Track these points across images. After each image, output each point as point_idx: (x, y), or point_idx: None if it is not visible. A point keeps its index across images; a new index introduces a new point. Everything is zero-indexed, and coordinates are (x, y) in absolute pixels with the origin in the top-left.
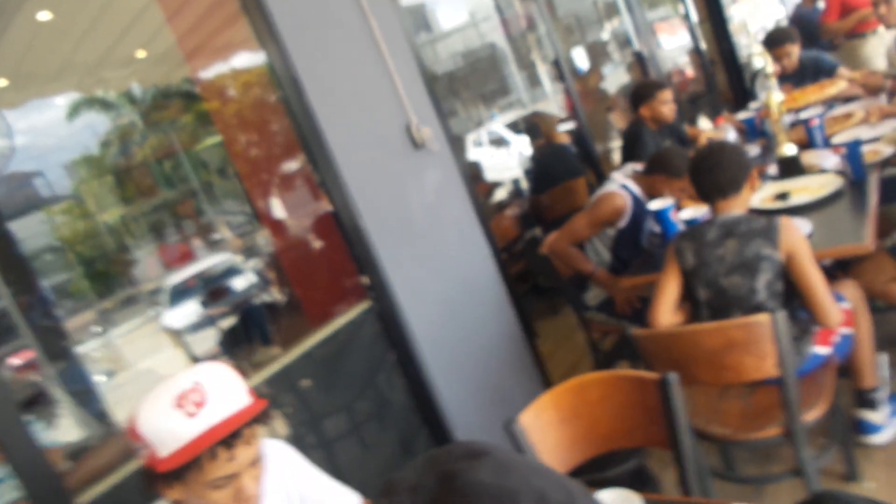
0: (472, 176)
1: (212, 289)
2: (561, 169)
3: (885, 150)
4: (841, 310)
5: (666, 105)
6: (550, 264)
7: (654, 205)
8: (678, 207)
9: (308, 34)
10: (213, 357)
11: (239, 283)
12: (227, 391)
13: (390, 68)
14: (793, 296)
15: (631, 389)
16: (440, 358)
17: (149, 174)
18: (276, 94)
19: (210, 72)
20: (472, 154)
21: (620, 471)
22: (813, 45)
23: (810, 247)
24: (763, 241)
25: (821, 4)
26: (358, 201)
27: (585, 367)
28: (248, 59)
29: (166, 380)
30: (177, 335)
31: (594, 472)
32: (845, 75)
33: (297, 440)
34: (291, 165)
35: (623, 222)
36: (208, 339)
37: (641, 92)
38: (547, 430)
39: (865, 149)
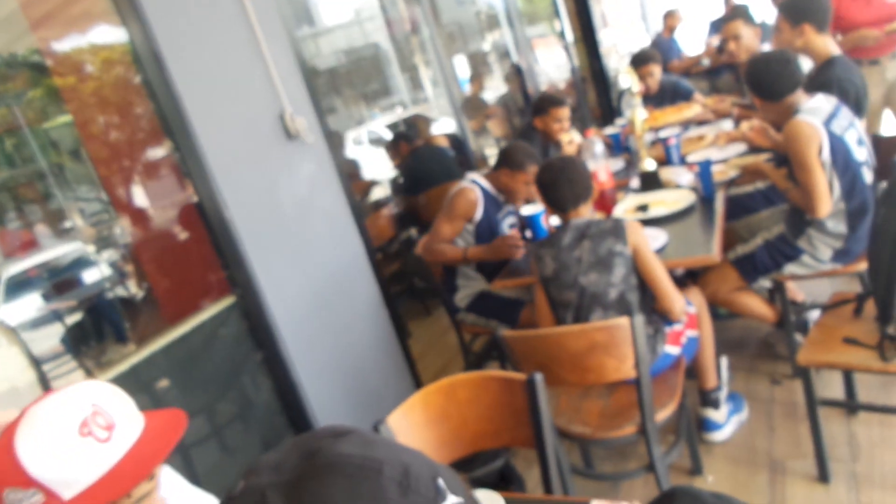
0: (350, 174)
1: (57, 281)
2: (438, 170)
3: (731, 172)
4: (687, 313)
5: (557, 122)
6: (425, 265)
7: (526, 210)
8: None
9: (175, 11)
10: (55, 356)
11: (89, 276)
12: (127, 408)
13: (265, 55)
14: (647, 298)
15: (499, 390)
16: (308, 358)
17: None
18: (138, 73)
19: (63, 44)
20: (351, 152)
21: (487, 470)
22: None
23: (647, 244)
24: (614, 239)
25: (677, 35)
26: (224, 191)
27: (457, 367)
28: (108, 33)
29: (42, 410)
30: (12, 332)
31: (461, 472)
32: (700, 100)
33: None
34: (153, 152)
35: (478, 215)
36: (51, 337)
37: (538, 104)
38: (415, 430)
39: (714, 169)
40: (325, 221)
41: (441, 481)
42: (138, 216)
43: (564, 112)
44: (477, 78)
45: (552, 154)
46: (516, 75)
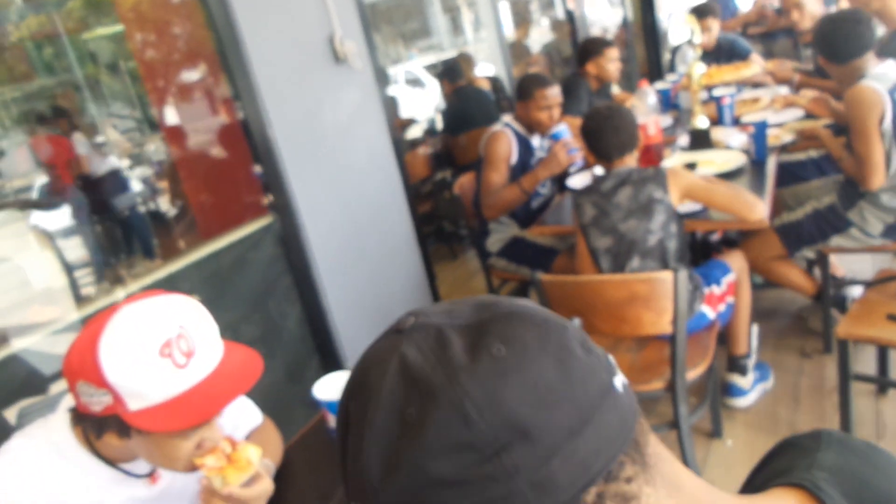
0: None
1: (91, 192)
2: (478, 112)
3: (785, 137)
4: (726, 280)
5: (612, 63)
6: (457, 208)
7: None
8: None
9: None
10: (85, 265)
11: (122, 190)
12: (211, 337)
13: None
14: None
15: None
16: (339, 285)
17: (24, 57)
18: None
19: None
20: (389, 90)
21: None
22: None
23: (695, 178)
24: (654, 186)
25: None
26: (270, 111)
27: None
28: None
29: (137, 317)
30: (47, 237)
31: None
32: (758, 61)
33: None
34: (201, 68)
35: (513, 159)
36: (83, 245)
37: (589, 47)
38: None
39: (768, 133)
40: (366, 151)
41: (611, 357)
42: (178, 133)
43: (617, 52)
44: (522, 25)
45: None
46: (568, 23)
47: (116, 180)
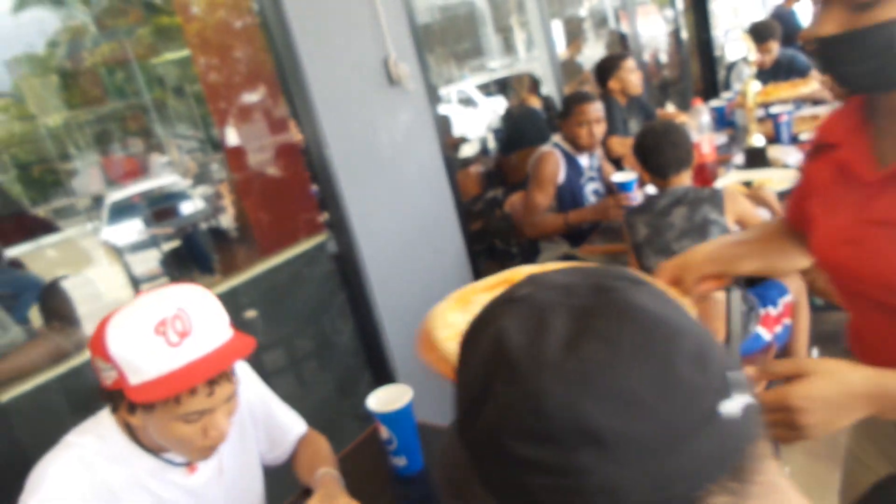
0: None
1: (157, 209)
2: (531, 131)
3: None
4: (783, 301)
5: (632, 73)
6: (508, 226)
7: (618, 177)
8: (641, 181)
9: None
10: (152, 278)
11: (186, 207)
12: (211, 321)
13: None
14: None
15: None
16: (392, 302)
17: (98, 81)
18: (255, 11)
19: None
20: (441, 109)
21: None
22: (789, 45)
23: (751, 208)
24: (710, 207)
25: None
26: (327, 132)
27: None
28: None
29: (143, 299)
30: (116, 251)
31: None
32: (817, 77)
33: None
34: (261, 90)
35: (560, 179)
36: (149, 260)
37: (606, 65)
38: None
39: None
40: (419, 170)
41: (730, 374)
42: (240, 153)
43: (633, 62)
44: (574, 42)
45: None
46: (619, 41)
47: (179, 198)
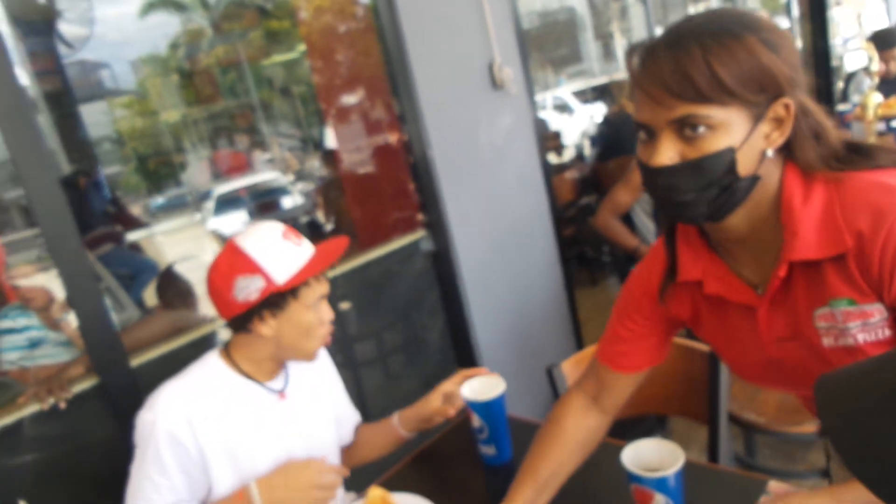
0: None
1: (261, 202)
2: (629, 139)
3: None
4: None
5: None
6: (599, 235)
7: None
8: None
9: None
10: None
11: (287, 202)
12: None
13: (484, 3)
14: None
15: (679, 357)
16: (483, 300)
17: (212, 81)
18: (368, 15)
19: None
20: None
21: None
22: None
23: None
24: None
25: None
26: (431, 133)
27: None
28: None
29: (253, 228)
30: (222, 239)
31: (614, 435)
32: None
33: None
34: (369, 91)
35: None
36: None
37: (621, 84)
38: None
39: None
40: (517, 173)
41: None
42: (345, 150)
43: None
44: None
45: None
46: None
47: (281, 193)
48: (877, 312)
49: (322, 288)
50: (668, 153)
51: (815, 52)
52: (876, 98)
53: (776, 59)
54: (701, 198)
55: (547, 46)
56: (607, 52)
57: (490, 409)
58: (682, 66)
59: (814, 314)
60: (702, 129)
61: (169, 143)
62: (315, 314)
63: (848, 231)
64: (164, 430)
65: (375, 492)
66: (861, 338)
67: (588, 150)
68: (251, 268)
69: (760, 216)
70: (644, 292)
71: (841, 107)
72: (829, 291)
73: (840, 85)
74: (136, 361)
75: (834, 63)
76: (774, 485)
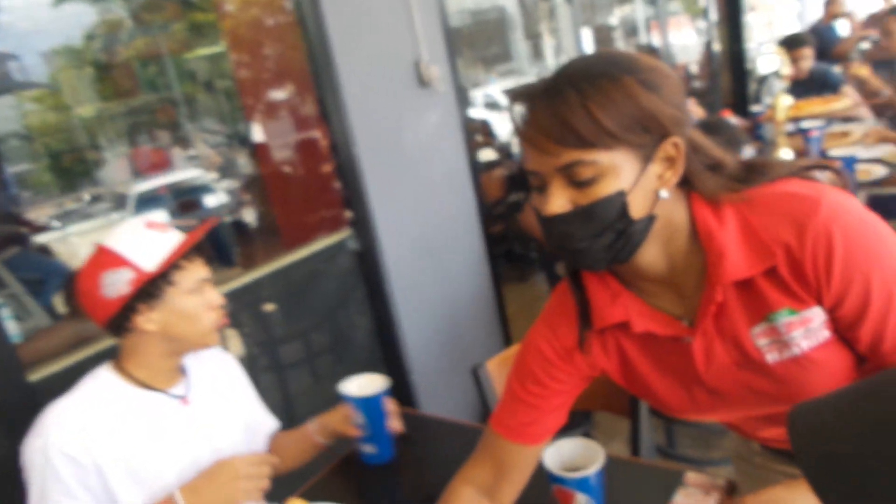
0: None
1: (183, 200)
2: None
3: (877, 172)
4: None
5: None
6: (528, 231)
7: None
8: None
9: None
10: None
11: (211, 200)
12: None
13: (411, 1)
14: None
15: None
16: (409, 299)
17: (131, 75)
18: (291, 8)
19: None
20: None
21: (569, 435)
22: (823, 60)
23: None
24: None
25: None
26: (356, 130)
27: None
28: None
29: (116, 228)
30: None
31: None
32: (850, 94)
33: (251, 361)
34: (293, 87)
35: None
36: None
37: None
38: None
39: (858, 167)
40: (444, 171)
41: None
42: (268, 147)
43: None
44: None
45: None
46: (650, 53)
47: (204, 191)
48: (815, 317)
49: (200, 270)
50: (559, 201)
51: (731, 55)
52: (786, 100)
53: (656, 99)
54: (596, 244)
55: (478, 44)
56: (537, 52)
57: (369, 405)
58: (560, 113)
59: (752, 332)
60: (590, 175)
61: (84, 140)
62: (198, 298)
63: (774, 243)
64: (58, 451)
65: (296, 502)
66: (805, 344)
67: (517, 148)
68: (116, 261)
69: (678, 249)
70: (555, 350)
71: (754, 108)
72: (767, 306)
73: (753, 87)
74: (36, 376)
75: (748, 66)
76: (691, 476)
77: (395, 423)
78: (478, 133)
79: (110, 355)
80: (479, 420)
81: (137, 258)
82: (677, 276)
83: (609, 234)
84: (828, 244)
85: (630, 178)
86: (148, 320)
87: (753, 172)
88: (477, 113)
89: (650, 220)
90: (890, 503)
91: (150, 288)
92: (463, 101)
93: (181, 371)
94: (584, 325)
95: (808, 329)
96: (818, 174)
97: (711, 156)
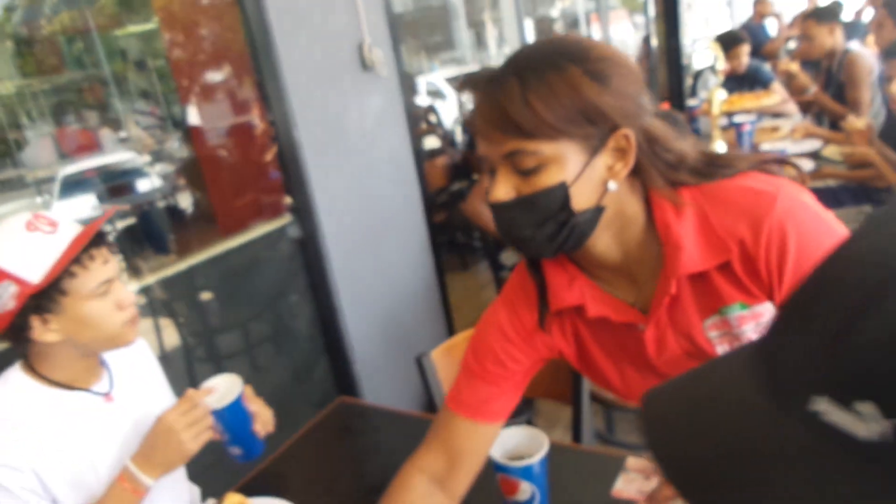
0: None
1: (113, 184)
2: None
3: (805, 166)
4: None
5: None
6: (471, 219)
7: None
8: None
9: None
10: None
11: (143, 185)
12: (66, 215)
13: None
14: None
15: None
16: (352, 288)
17: (55, 51)
18: None
19: None
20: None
21: (511, 424)
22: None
23: None
24: None
25: (768, 22)
26: (297, 114)
27: None
28: None
29: None
30: None
31: None
32: (779, 91)
33: (187, 351)
34: (231, 68)
35: None
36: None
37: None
38: (455, 368)
39: None
40: (388, 157)
41: None
42: (204, 130)
43: None
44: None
45: None
46: None
47: (137, 175)
48: (766, 312)
49: (103, 271)
50: (503, 188)
51: (668, 50)
52: (720, 95)
53: (603, 91)
54: (539, 233)
55: (421, 32)
56: (480, 41)
57: (224, 416)
58: (500, 102)
59: (704, 325)
60: (532, 165)
61: (1, 118)
62: (103, 301)
63: (730, 238)
64: None
65: (233, 498)
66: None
67: (460, 137)
68: None
69: (633, 239)
70: (515, 329)
71: (690, 102)
72: (720, 299)
73: (689, 81)
74: None
75: (684, 61)
76: (632, 461)
77: (258, 426)
78: (421, 120)
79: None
80: (423, 410)
81: (21, 270)
82: (632, 266)
83: (551, 224)
84: (781, 241)
85: (575, 169)
86: (46, 332)
87: (714, 166)
88: (421, 100)
89: (598, 211)
90: None
91: (42, 301)
92: (407, 86)
93: (101, 365)
94: (542, 306)
95: (759, 324)
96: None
97: (671, 148)
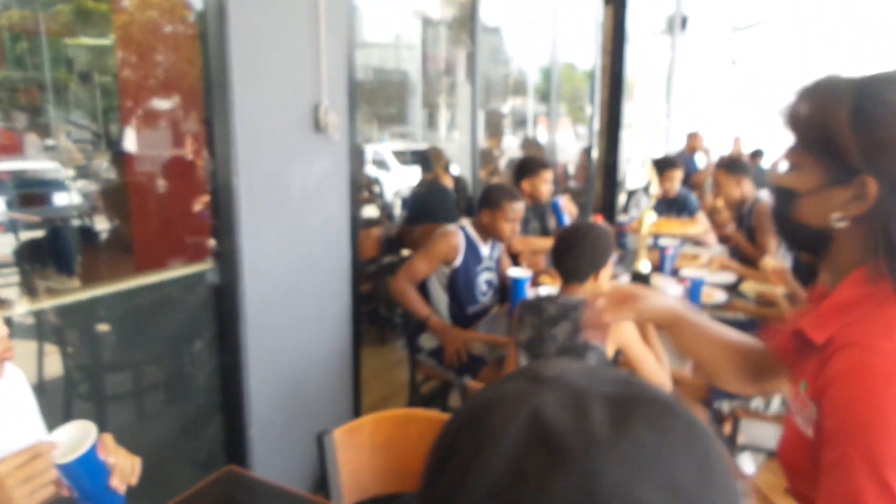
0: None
1: (28, 192)
2: (439, 208)
3: (718, 296)
4: None
5: (546, 184)
6: (395, 299)
7: (513, 272)
8: (533, 280)
9: None
10: (4, 266)
11: (60, 198)
12: None
13: (321, 42)
14: None
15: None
16: (263, 345)
17: None
18: (195, 21)
19: None
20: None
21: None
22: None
23: (637, 335)
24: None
25: (698, 156)
26: (240, 159)
27: (398, 402)
28: None
29: None
30: None
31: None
32: (703, 221)
33: (69, 386)
34: (180, 100)
35: (457, 262)
36: (3, 245)
37: (527, 166)
38: (357, 451)
39: (703, 290)
40: (324, 219)
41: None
42: (139, 156)
43: (551, 174)
44: (495, 136)
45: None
46: (536, 145)
47: (55, 188)
48: (812, 410)
49: None
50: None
51: (606, 164)
52: (651, 217)
53: None
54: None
55: (376, 102)
56: (431, 121)
57: (72, 471)
58: None
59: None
60: None
61: None
62: None
63: (840, 334)
64: None
65: None
66: (798, 420)
67: (398, 211)
68: None
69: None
70: None
71: (621, 217)
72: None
73: (623, 198)
74: None
75: (619, 178)
76: None
77: (116, 480)
78: (364, 189)
79: None
80: (315, 491)
81: None
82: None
83: None
84: (852, 379)
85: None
86: None
87: None
88: (367, 169)
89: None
90: None
91: None
92: (356, 153)
93: None
94: None
95: (801, 413)
96: (671, 289)
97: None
